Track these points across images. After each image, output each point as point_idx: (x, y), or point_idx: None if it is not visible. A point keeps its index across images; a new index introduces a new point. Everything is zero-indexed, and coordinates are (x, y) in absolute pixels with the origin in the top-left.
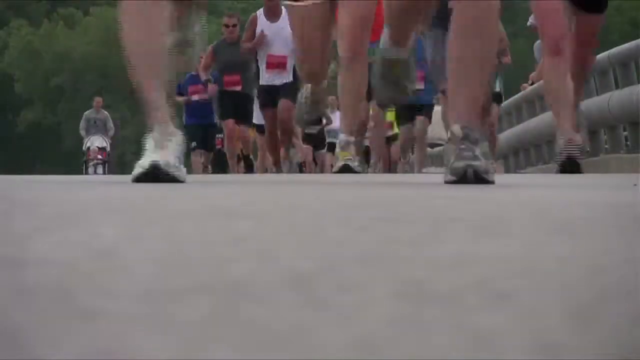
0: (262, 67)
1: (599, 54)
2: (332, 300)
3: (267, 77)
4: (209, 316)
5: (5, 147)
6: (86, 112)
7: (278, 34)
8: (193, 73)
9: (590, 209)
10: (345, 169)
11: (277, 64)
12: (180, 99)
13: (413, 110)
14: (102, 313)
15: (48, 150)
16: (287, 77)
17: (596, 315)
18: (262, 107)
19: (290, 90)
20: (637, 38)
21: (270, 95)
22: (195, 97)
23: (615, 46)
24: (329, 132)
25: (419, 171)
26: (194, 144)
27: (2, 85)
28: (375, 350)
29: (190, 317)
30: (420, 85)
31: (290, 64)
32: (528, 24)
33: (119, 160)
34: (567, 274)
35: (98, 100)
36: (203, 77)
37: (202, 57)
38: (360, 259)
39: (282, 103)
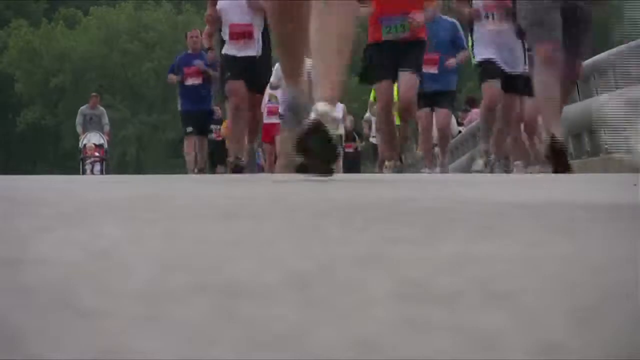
0: (225, 37)
1: (598, 54)
2: (332, 301)
3: (230, 47)
4: (209, 316)
5: (5, 147)
6: (82, 107)
7: None
8: (188, 52)
9: (590, 209)
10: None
11: (241, 34)
12: (174, 78)
13: (427, 99)
14: (102, 313)
15: (48, 150)
16: (255, 49)
17: (597, 315)
18: (229, 78)
19: (262, 69)
20: (637, 38)
21: (237, 65)
22: (191, 82)
23: (615, 46)
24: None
25: (444, 169)
26: (189, 129)
27: (2, 85)
28: (375, 351)
29: (190, 317)
30: (432, 69)
31: (257, 34)
32: None
33: (120, 160)
34: (567, 274)
35: (96, 96)
36: (206, 44)
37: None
38: (360, 259)
39: (258, 98)
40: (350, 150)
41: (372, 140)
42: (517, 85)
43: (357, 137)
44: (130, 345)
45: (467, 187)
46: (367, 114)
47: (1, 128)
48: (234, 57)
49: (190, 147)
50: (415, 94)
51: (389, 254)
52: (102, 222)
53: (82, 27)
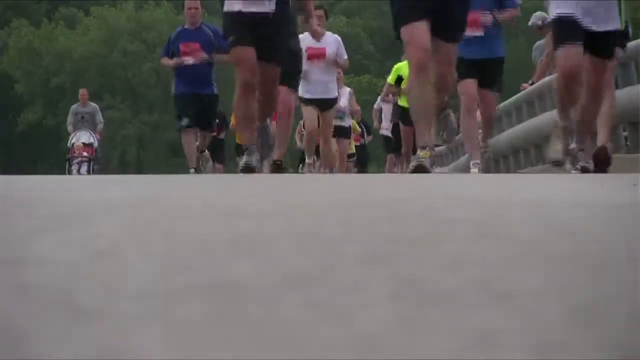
0: None
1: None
2: (332, 300)
3: (233, 1)
4: (209, 316)
5: (5, 147)
6: (73, 106)
7: None
8: (185, 26)
9: (590, 209)
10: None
11: None
12: (170, 62)
13: (473, 68)
14: (102, 313)
15: (48, 150)
16: (267, 4)
17: (596, 315)
18: (233, 43)
19: (278, 34)
20: (637, 38)
21: (244, 29)
22: (188, 60)
23: None
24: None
25: (487, 155)
26: (185, 121)
27: (2, 85)
28: (375, 351)
29: (190, 316)
30: (478, 32)
31: None
32: (529, 23)
33: (120, 160)
34: (567, 274)
35: (83, 92)
36: None
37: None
38: (360, 259)
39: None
40: (357, 144)
41: (383, 132)
42: (605, 47)
43: (365, 131)
44: (130, 345)
45: (467, 187)
46: (378, 101)
47: (1, 128)
48: (238, 14)
49: (189, 140)
50: (454, 71)
51: (389, 254)
52: (102, 222)
53: (82, 27)
